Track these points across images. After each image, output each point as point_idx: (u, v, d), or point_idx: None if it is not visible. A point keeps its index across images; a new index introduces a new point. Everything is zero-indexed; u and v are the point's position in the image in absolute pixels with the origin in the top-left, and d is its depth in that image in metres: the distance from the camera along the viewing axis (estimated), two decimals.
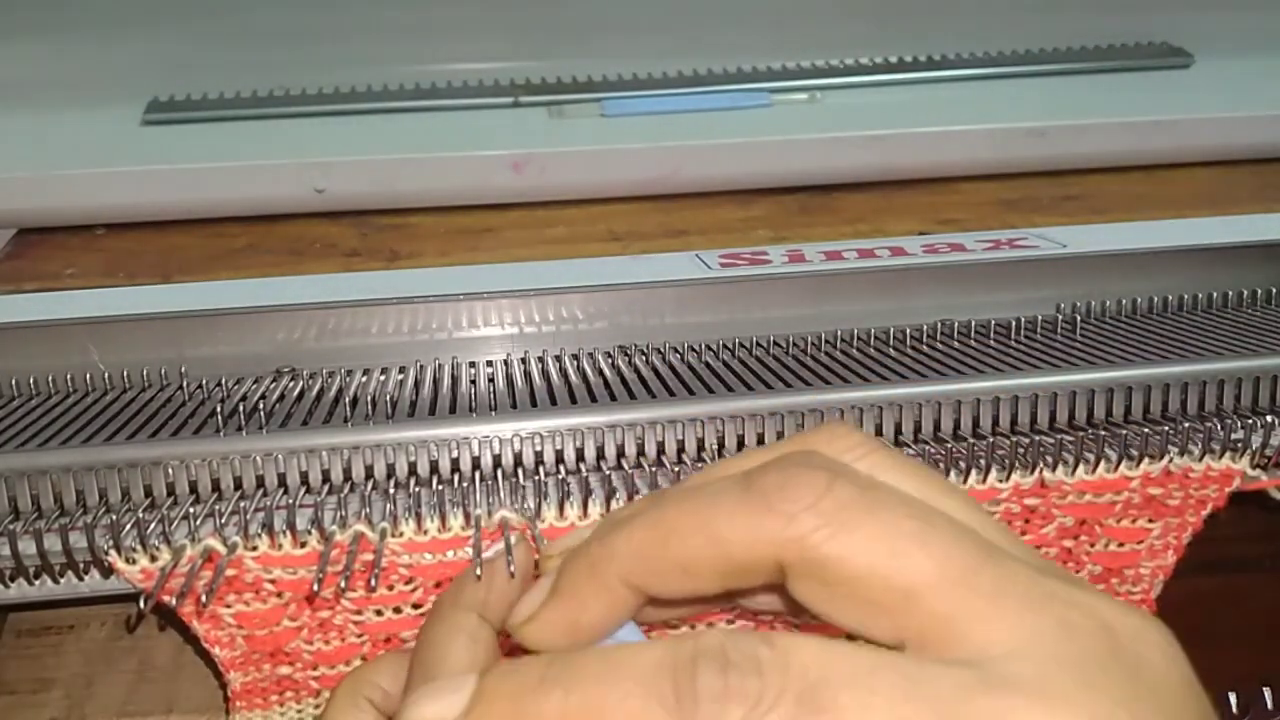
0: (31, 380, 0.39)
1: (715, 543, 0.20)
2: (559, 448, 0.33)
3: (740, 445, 0.33)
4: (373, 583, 0.28)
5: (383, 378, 0.39)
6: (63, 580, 0.31)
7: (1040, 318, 0.43)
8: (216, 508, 0.30)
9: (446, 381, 0.39)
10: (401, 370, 0.40)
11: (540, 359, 0.41)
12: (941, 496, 0.21)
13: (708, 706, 0.18)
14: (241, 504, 0.30)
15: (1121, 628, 0.19)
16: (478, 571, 0.28)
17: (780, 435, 0.34)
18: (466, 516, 0.29)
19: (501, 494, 0.31)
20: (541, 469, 0.33)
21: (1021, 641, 0.18)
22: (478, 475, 0.32)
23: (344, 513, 0.30)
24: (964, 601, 0.19)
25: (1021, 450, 0.31)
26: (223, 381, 0.39)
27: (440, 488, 0.31)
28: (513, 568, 0.29)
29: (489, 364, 0.41)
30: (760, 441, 0.33)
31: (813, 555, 0.19)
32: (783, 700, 0.17)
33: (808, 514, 0.19)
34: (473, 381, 0.39)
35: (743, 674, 0.18)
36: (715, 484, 0.21)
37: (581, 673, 0.19)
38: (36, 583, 0.31)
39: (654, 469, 0.32)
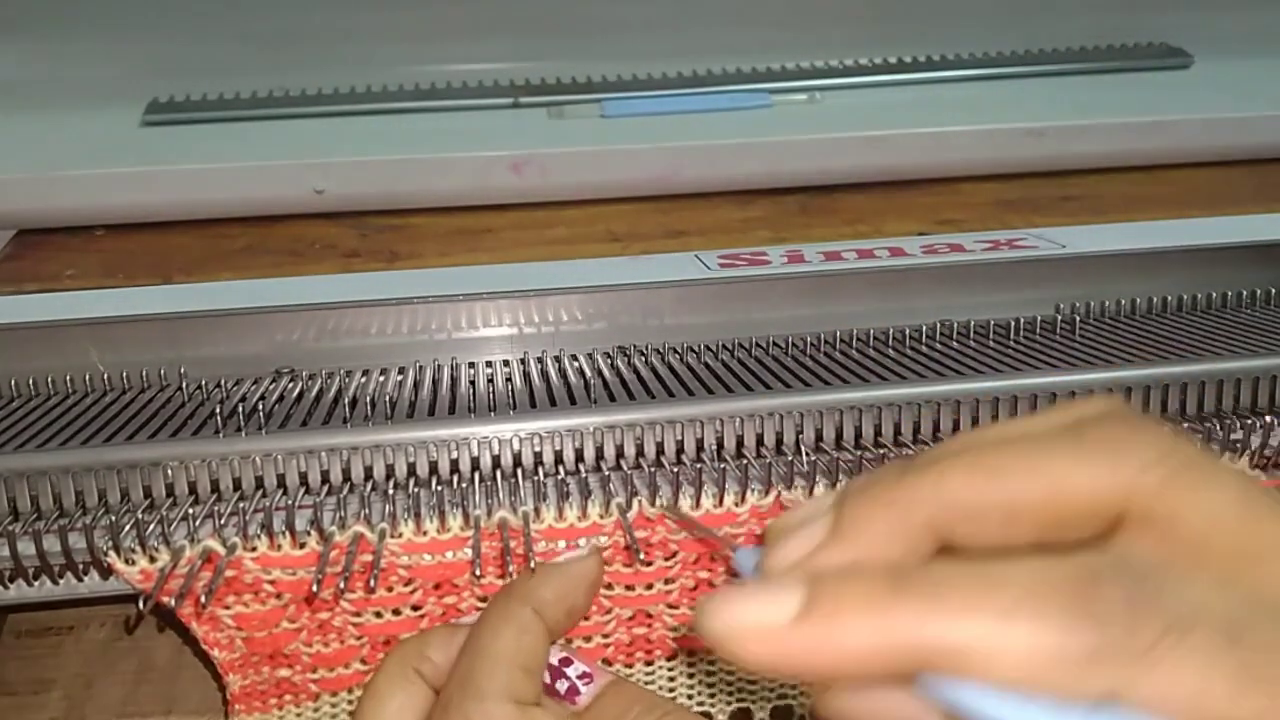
0: (31, 381, 0.39)
1: (1054, 487, 0.19)
2: (558, 448, 0.33)
3: (739, 446, 0.33)
4: (372, 584, 0.28)
5: (382, 378, 0.39)
6: (62, 581, 0.31)
7: (1039, 318, 0.43)
8: (215, 509, 0.30)
9: (446, 382, 0.39)
10: (401, 371, 0.40)
11: (539, 359, 0.41)
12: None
13: (1121, 617, 0.17)
14: (240, 505, 0.30)
15: None
16: (477, 571, 0.28)
17: (779, 437, 0.34)
18: (465, 517, 0.29)
19: (501, 495, 0.31)
20: (541, 470, 0.33)
21: None
22: (477, 476, 0.32)
23: (343, 514, 0.30)
24: None
25: None
26: (222, 382, 0.39)
27: (439, 489, 0.31)
28: (515, 563, 0.29)
29: (488, 365, 0.41)
30: (759, 443, 0.34)
31: (1165, 508, 0.19)
32: (1201, 622, 0.17)
33: (1160, 466, 0.19)
34: (472, 382, 0.39)
35: (1147, 590, 0.17)
36: (1037, 433, 0.20)
37: (951, 580, 0.18)
38: (36, 584, 0.31)
39: (653, 469, 0.32)
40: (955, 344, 0.41)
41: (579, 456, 0.33)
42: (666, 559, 0.30)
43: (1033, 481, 0.19)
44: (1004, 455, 0.20)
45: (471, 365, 0.40)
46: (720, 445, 0.34)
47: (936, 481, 0.20)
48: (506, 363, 0.41)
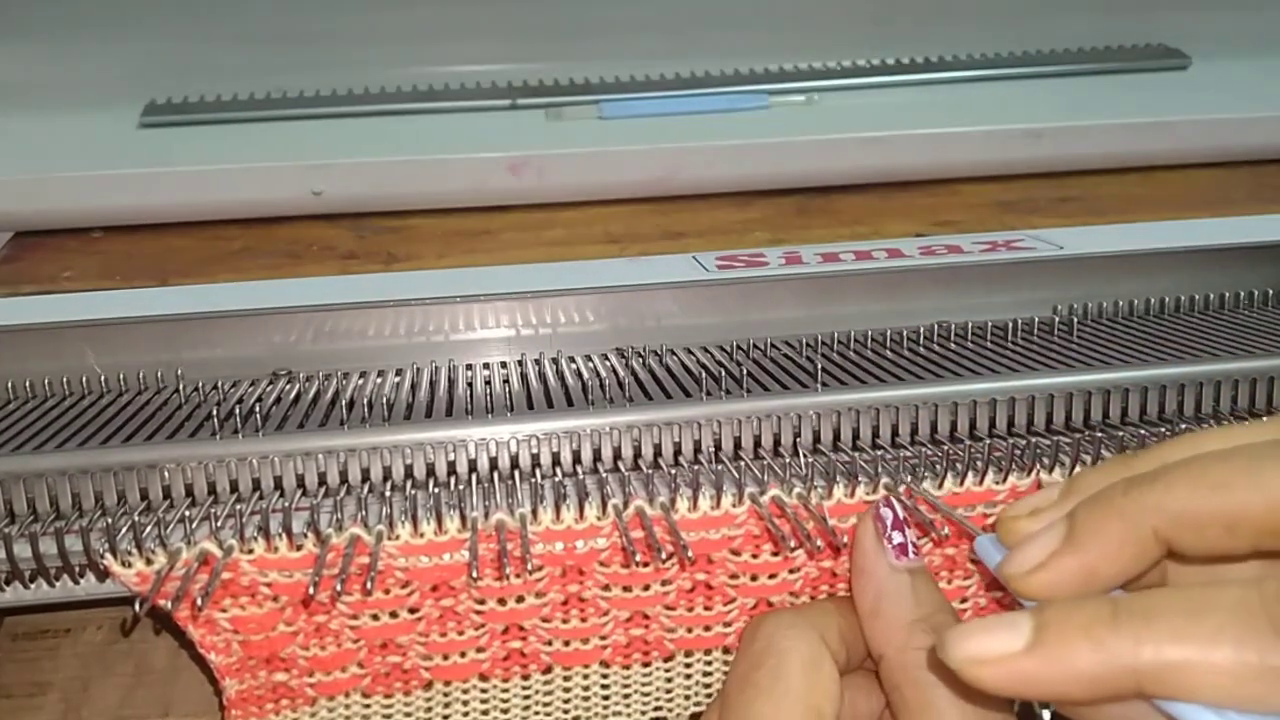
0: (28, 383, 0.39)
1: (1275, 500, 0.20)
2: (556, 450, 0.33)
3: (737, 448, 0.33)
4: (369, 586, 0.28)
5: (379, 380, 0.39)
6: (59, 584, 0.31)
7: (1037, 319, 0.43)
8: (212, 511, 0.30)
9: (443, 384, 0.39)
10: (398, 373, 0.40)
11: (537, 361, 0.41)
12: None
13: None
14: (237, 507, 0.30)
15: None
16: (473, 573, 0.28)
17: (777, 438, 0.34)
18: (463, 519, 0.29)
19: (498, 497, 0.31)
20: (538, 471, 0.33)
21: None
22: (474, 478, 0.32)
23: (340, 516, 0.30)
24: None
25: (1018, 452, 0.31)
26: (219, 384, 0.39)
27: (436, 490, 0.31)
28: (512, 565, 0.29)
29: (486, 366, 0.41)
30: (757, 445, 0.34)
31: None
32: None
33: None
34: (469, 384, 0.39)
35: None
36: (1259, 444, 0.21)
37: (1161, 606, 0.19)
38: (32, 586, 0.31)
39: (651, 471, 0.32)
40: (953, 345, 0.41)
41: (576, 458, 0.33)
42: (664, 560, 0.30)
43: (1255, 495, 0.21)
44: (1227, 468, 0.21)
45: (469, 367, 0.40)
46: (718, 447, 0.33)
47: (1163, 493, 0.22)
48: (504, 364, 0.41)
